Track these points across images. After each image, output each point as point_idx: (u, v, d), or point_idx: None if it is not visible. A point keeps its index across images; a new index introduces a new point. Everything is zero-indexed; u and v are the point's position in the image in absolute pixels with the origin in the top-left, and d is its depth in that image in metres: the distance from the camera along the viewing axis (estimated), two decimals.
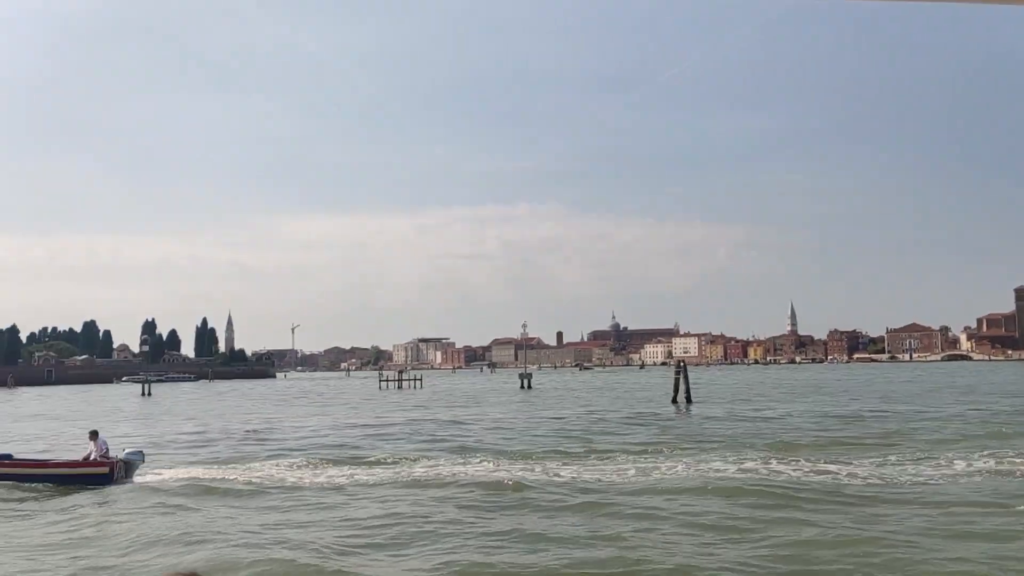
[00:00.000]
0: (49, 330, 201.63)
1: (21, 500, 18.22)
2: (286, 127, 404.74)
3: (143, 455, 21.07)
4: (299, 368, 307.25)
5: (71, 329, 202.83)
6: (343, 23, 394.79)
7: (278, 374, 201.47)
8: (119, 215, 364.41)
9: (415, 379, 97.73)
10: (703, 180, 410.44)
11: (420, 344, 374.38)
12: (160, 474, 21.15)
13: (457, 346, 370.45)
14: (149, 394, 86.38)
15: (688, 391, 51.93)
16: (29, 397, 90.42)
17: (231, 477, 20.65)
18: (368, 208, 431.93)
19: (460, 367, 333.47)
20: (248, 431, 36.27)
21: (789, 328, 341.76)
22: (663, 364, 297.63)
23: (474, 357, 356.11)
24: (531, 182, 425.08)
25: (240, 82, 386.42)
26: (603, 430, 33.65)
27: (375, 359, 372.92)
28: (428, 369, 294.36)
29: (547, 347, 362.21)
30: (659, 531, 13.71)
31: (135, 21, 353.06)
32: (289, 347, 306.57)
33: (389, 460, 23.52)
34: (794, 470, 20.01)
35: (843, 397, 56.27)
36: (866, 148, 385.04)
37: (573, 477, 19.57)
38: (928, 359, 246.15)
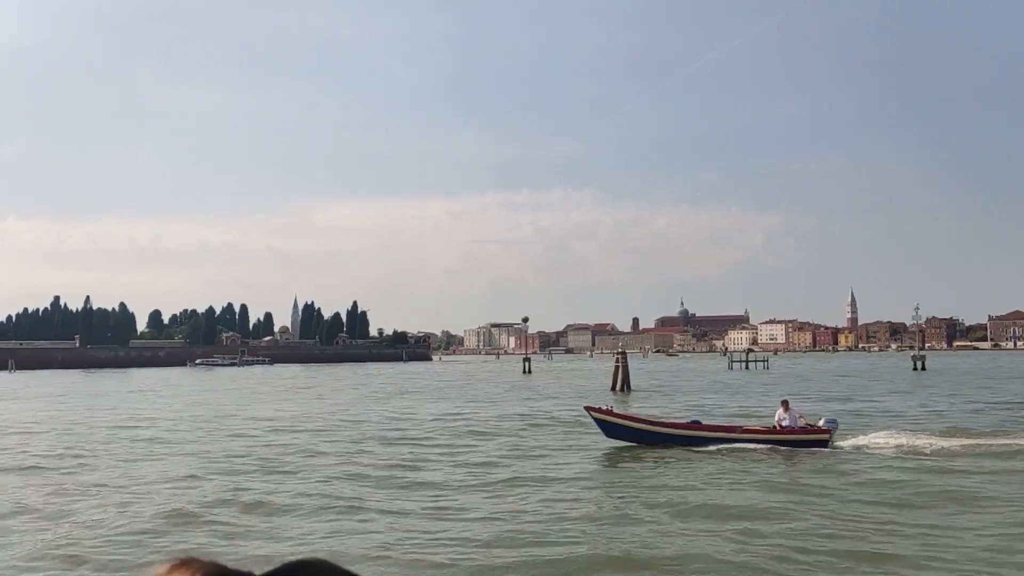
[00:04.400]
0: (188, 312, 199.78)
1: (759, 462, 19.33)
2: (318, 114, 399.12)
3: (837, 423, 22.21)
4: None
5: (211, 308, 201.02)
6: (377, 10, 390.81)
7: (433, 357, 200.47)
8: (159, 201, 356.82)
9: (764, 360, 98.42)
10: (739, 166, 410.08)
11: (493, 329, 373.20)
12: (864, 441, 22.29)
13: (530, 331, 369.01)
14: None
15: None
16: (378, 376, 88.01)
17: None
18: (402, 194, 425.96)
19: (535, 352, 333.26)
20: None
21: (849, 315, 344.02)
22: (748, 351, 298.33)
23: (547, 343, 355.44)
24: (566, 168, 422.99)
25: (275, 69, 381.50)
26: None
27: (446, 344, 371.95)
28: (503, 354, 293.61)
29: (621, 333, 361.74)
30: None
31: (176, 9, 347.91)
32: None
33: None
34: None
35: None
36: (912, 135, 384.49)
37: None
38: None
